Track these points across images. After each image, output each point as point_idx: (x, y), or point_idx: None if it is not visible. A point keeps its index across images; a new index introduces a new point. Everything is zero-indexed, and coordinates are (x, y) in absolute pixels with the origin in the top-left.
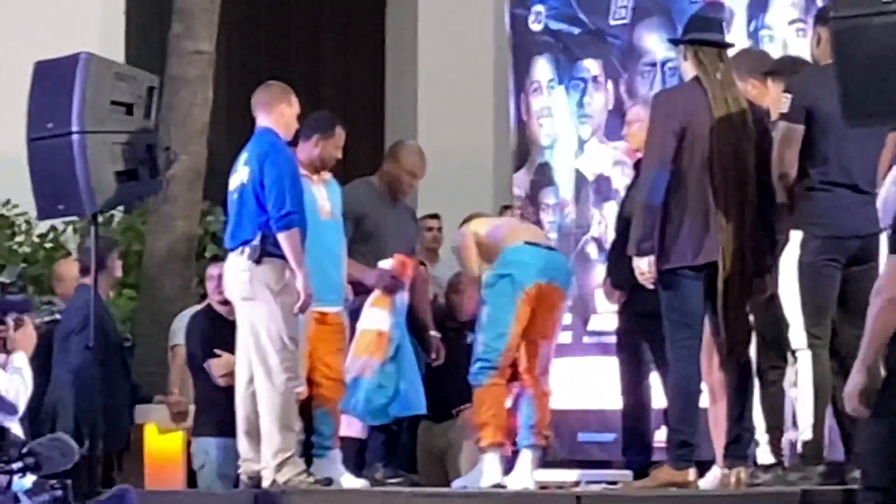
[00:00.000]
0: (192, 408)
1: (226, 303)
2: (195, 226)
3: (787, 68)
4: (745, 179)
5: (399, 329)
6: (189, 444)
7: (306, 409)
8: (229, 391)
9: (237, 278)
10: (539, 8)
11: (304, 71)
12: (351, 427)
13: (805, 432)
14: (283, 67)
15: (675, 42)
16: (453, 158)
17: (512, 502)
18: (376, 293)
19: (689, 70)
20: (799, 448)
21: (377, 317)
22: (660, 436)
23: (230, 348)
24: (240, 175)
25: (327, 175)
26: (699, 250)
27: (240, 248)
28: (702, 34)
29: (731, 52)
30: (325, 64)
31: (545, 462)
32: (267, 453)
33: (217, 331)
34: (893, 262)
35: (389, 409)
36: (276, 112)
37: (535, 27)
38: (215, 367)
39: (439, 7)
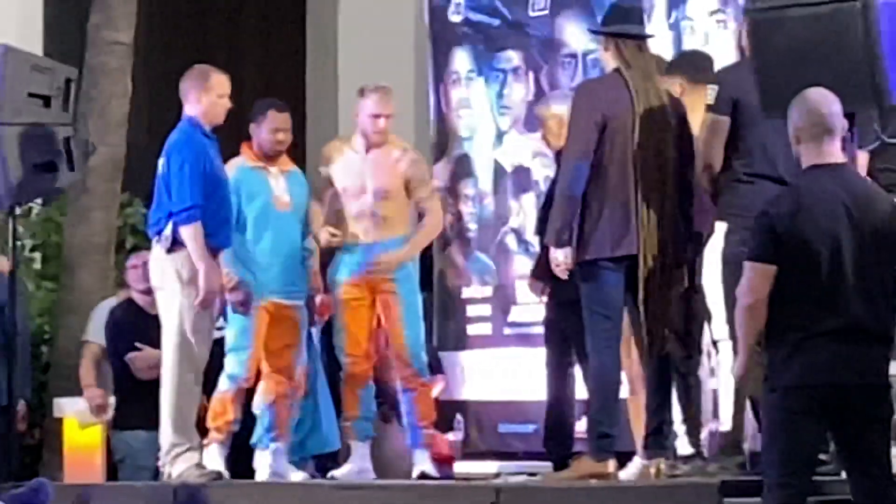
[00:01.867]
0: (111, 400)
1: (147, 292)
2: (114, 217)
3: (686, 64)
4: (665, 172)
5: (314, 364)
6: (109, 437)
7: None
8: (150, 384)
9: (153, 267)
10: None
11: (223, 62)
12: None
13: (725, 423)
14: (203, 58)
15: (595, 33)
16: None
17: (431, 494)
18: None
19: (609, 61)
20: (718, 439)
21: None
22: (581, 427)
23: (150, 341)
24: (160, 165)
25: (289, 165)
26: (619, 242)
27: (156, 238)
28: (622, 26)
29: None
30: (245, 54)
31: (465, 453)
32: (163, 447)
33: (137, 323)
34: (750, 266)
35: (307, 446)
36: (192, 100)
37: (455, 18)
38: (137, 360)
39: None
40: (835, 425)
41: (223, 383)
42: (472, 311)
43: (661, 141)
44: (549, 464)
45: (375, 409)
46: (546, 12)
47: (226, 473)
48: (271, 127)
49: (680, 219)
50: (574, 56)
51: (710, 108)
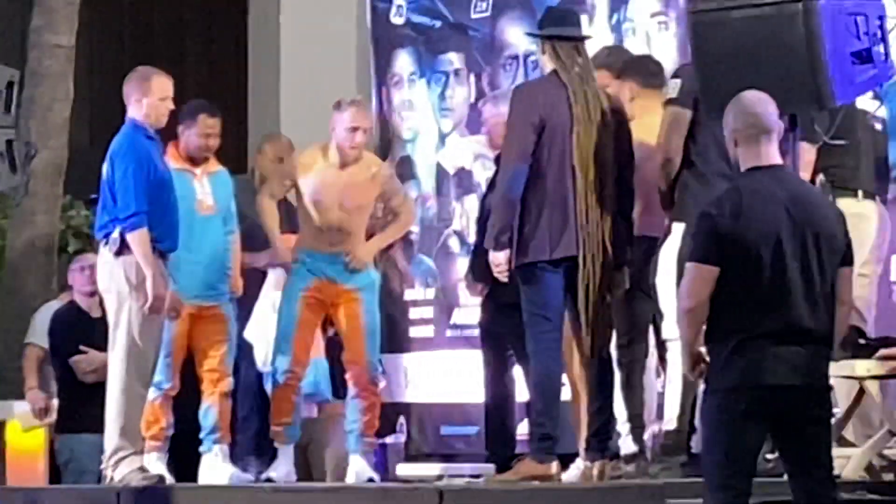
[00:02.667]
0: (54, 403)
1: (92, 295)
2: (56, 220)
3: (637, 69)
4: (604, 173)
5: None
6: (52, 440)
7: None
8: (94, 387)
9: (101, 271)
10: (400, 1)
11: (166, 65)
12: None
13: (670, 422)
14: (145, 62)
15: (531, 36)
16: None
17: (373, 497)
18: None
19: (547, 63)
20: (661, 439)
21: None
22: (523, 429)
23: (93, 344)
24: (105, 170)
25: (215, 167)
26: (557, 244)
27: (103, 241)
28: (558, 28)
29: (590, 45)
30: (188, 57)
31: (407, 455)
32: (107, 451)
33: (80, 326)
34: (692, 268)
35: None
36: (134, 102)
37: (397, 20)
38: (81, 363)
39: (301, 2)
40: (775, 427)
41: (150, 392)
42: (414, 313)
43: (599, 142)
44: (491, 466)
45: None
46: (487, 14)
47: (169, 478)
48: (202, 132)
49: (620, 220)
50: (516, 58)
51: (672, 101)
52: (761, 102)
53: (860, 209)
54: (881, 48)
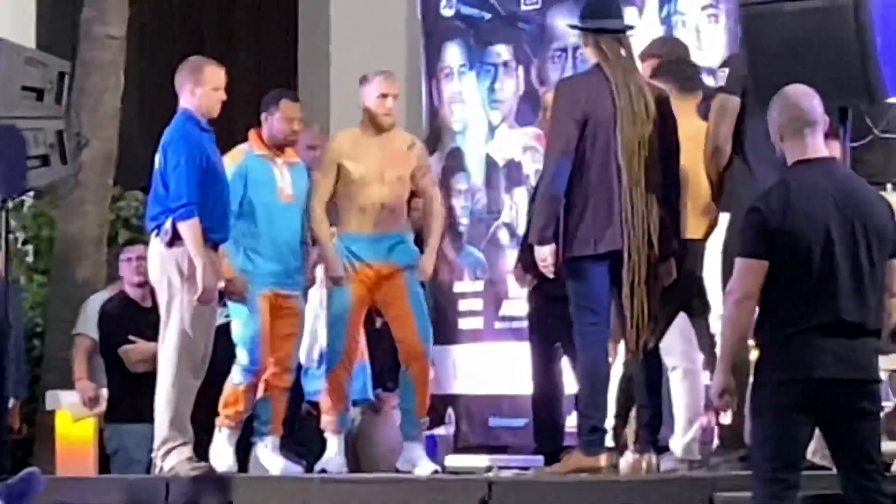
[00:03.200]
0: (104, 393)
1: (141, 286)
2: (106, 211)
3: (659, 50)
4: (649, 165)
5: None
6: (102, 430)
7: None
8: (143, 377)
9: (153, 261)
10: None
11: (216, 55)
12: None
13: (725, 417)
14: (195, 51)
15: (574, 28)
16: None
17: (423, 488)
18: None
19: (590, 56)
20: (720, 431)
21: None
22: (572, 421)
23: (143, 334)
24: (157, 160)
25: (294, 157)
26: (602, 238)
27: (154, 231)
28: (600, 21)
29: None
30: (238, 49)
31: (456, 447)
32: (156, 441)
33: (130, 316)
34: (741, 263)
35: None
36: (187, 92)
37: (447, 12)
38: (131, 353)
39: None
40: (825, 420)
41: (236, 375)
42: (463, 305)
43: (644, 135)
44: (540, 458)
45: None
46: (538, 6)
47: (233, 463)
48: (286, 116)
49: (666, 212)
50: (564, 50)
51: (720, 89)
52: (806, 96)
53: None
54: None
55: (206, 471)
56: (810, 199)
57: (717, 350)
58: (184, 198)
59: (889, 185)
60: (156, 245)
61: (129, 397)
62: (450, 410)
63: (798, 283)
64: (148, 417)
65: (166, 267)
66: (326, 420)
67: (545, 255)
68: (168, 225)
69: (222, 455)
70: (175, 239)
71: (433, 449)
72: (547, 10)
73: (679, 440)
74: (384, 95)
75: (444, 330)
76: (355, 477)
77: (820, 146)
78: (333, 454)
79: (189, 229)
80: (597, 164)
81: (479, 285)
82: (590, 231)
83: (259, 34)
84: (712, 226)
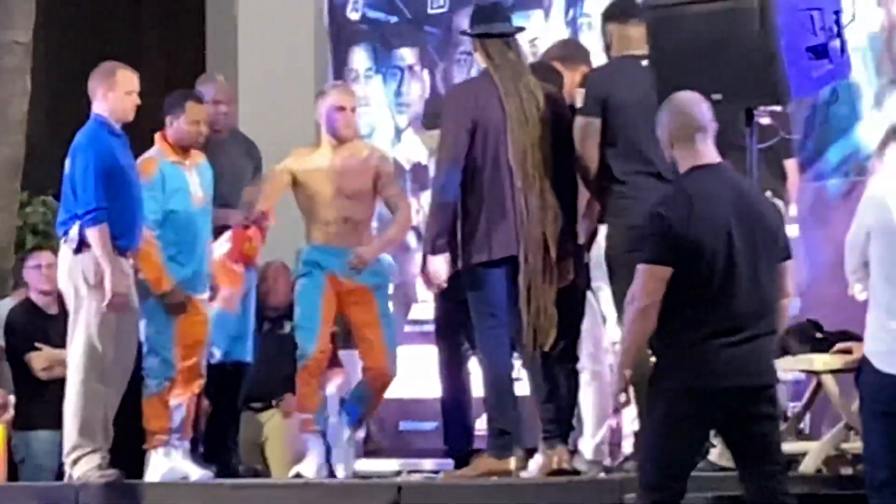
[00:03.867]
0: (11, 400)
1: (47, 293)
2: (13, 217)
3: (559, 52)
4: (543, 169)
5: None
6: (10, 437)
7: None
8: (50, 384)
9: (61, 268)
10: None
11: (124, 61)
12: None
13: (635, 423)
14: (103, 56)
15: (463, 34)
16: (275, 148)
17: (332, 492)
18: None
19: (480, 62)
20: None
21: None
22: (482, 424)
23: (49, 341)
24: (67, 165)
25: (199, 157)
26: (497, 244)
27: (63, 238)
28: (487, 26)
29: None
30: (146, 54)
31: (366, 451)
32: (66, 449)
33: (36, 323)
34: (645, 269)
35: (234, 350)
36: (99, 97)
37: (353, 16)
38: (35, 360)
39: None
40: (724, 426)
41: (152, 385)
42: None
43: (536, 137)
44: (450, 461)
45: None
46: (445, 9)
47: (204, 471)
48: (191, 119)
49: (562, 213)
50: (470, 53)
51: (579, 111)
52: (694, 102)
53: None
54: (837, 43)
55: (116, 478)
56: (712, 205)
57: (620, 353)
58: (91, 203)
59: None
60: (64, 251)
61: (36, 404)
62: None
63: (699, 289)
64: (56, 424)
65: (73, 274)
66: (305, 420)
67: (436, 266)
68: (75, 231)
69: (186, 470)
70: (82, 245)
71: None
72: (453, 13)
73: (588, 442)
74: (341, 108)
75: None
76: (265, 482)
77: (711, 152)
78: (313, 457)
79: (97, 235)
80: (489, 170)
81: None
82: (484, 238)
83: (167, 39)
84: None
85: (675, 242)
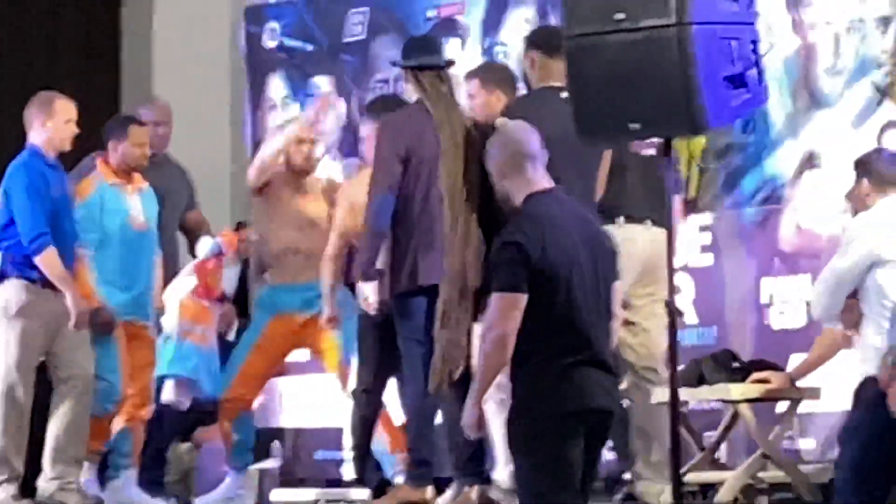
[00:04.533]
0: None
1: None
2: None
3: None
4: (470, 199)
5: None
6: None
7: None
8: None
9: None
10: (273, 25)
11: (39, 89)
12: None
13: None
14: (20, 88)
15: (395, 65)
16: (193, 177)
17: None
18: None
19: (412, 93)
20: None
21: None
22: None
23: None
24: None
25: (142, 183)
26: (423, 272)
27: None
28: (419, 58)
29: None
30: (61, 82)
31: (283, 481)
32: None
33: None
34: (501, 299)
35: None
36: (37, 128)
37: (270, 44)
38: None
39: (174, 27)
40: (585, 447)
41: (97, 408)
42: None
43: (466, 169)
44: (366, 491)
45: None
46: (362, 37)
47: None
48: (135, 142)
49: (484, 245)
50: (386, 82)
51: None
52: (523, 131)
53: (625, 234)
54: (755, 72)
55: None
56: (559, 229)
57: (474, 383)
58: (38, 228)
59: (621, 218)
60: None
61: None
62: (276, 443)
63: (561, 315)
64: None
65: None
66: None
67: (367, 292)
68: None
69: (135, 499)
70: (2, 277)
71: (259, 483)
72: (370, 41)
73: (502, 471)
74: (301, 141)
75: None
76: None
77: (543, 178)
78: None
79: (49, 259)
80: (419, 199)
81: None
82: (412, 265)
83: (82, 66)
84: None
85: (531, 267)
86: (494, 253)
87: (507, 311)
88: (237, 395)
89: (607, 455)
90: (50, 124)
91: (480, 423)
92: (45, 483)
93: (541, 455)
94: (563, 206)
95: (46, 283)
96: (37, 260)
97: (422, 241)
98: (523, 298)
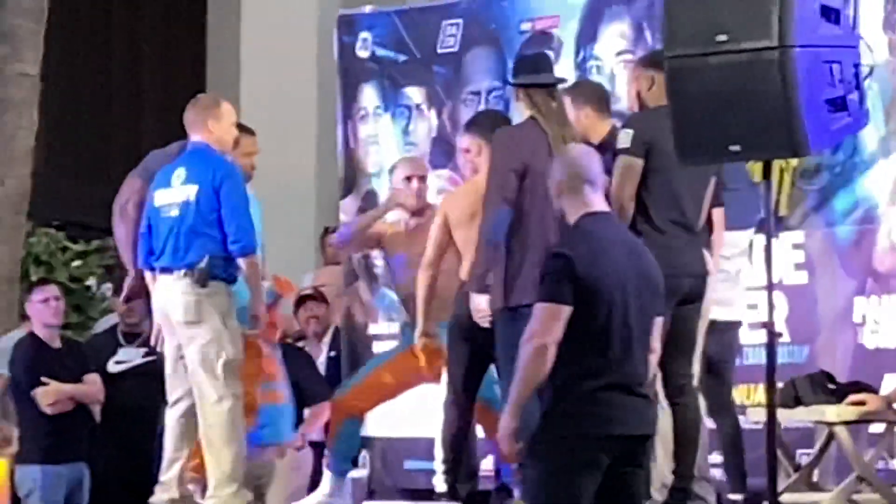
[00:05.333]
0: (15, 433)
1: (52, 326)
2: (20, 248)
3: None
4: None
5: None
6: (13, 471)
7: None
8: (55, 418)
9: (180, 301)
10: (366, 35)
11: (124, 98)
12: None
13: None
14: (104, 91)
15: (507, 84)
16: (277, 183)
17: None
18: None
19: (524, 111)
20: None
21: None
22: (486, 465)
23: (55, 375)
24: (181, 192)
25: (251, 189)
26: (536, 286)
27: (182, 271)
28: (532, 76)
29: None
30: (146, 90)
31: (370, 491)
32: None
33: (42, 357)
34: (544, 309)
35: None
36: (205, 129)
37: (363, 54)
38: (43, 395)
39: (262, 33)
40: (608, 473)
41: None
42: (378, 347)
43: None
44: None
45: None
46: (454, 49)
47: None
48: (245, 151)
49: None
50: (478, 94)
51: (624, 150)
52: (586, 155)
53: None
54: (856, 95)
55: None
56: (610, 251)
57: (511, 393)
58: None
59: None
60: (181, 285)
61: (41, 438)
62: (364, 453)
63: (600, 335)
64: (61, 459)
65: (202, 308)
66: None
67: (481, 303)
68: (204, 264)
69: None
70: (209, 279)
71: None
72: (463, 53)
73: None
74: (409, 178)
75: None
76: None
77: (601, 202)
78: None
79: (253, 264)
80: (535, 214)
81: (394, 327)
82: (527, 281)
83: (167, 74)
84: None
85: (577, 282)
86: (543, 264)
87: (549, 322)
88: (352, 402)
89: None
90: (218, 127)
91: (516, 434)
92: None
93: (552, 474)
94: (617, 231)
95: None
96: (242, 261)
97: (538, 255)
98: (567, 310)
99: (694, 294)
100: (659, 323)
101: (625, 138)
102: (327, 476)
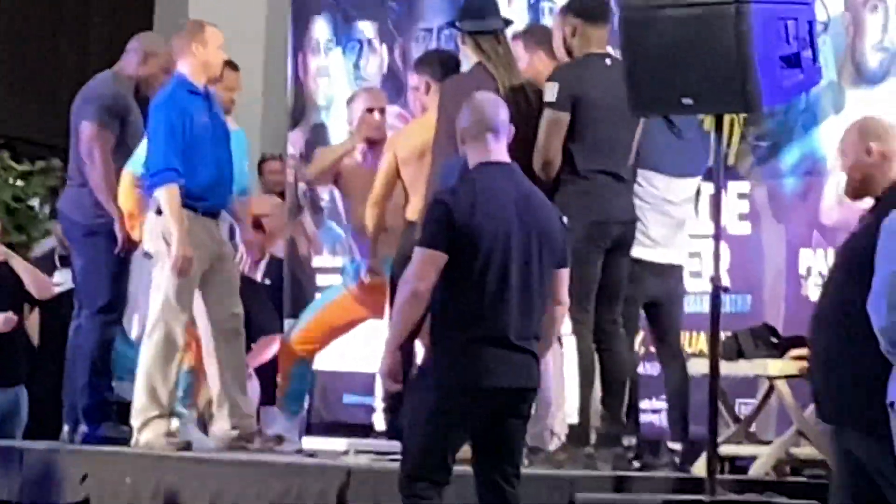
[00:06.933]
0: None
1: None
2: None
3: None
4: (528, 160)
5: None
6: None
7: None
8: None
9: (146, 228)
10: None
11: (71, 35)
12: None
13: (572, 416)
14: (53, 6)
15: (451, 26)
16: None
17: (281, 472)
18: None
19: (470, 55)
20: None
21: None
22: None
23: None
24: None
25: (234, 126)
26: None
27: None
28: (479, 22)
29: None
30: (93, 29)
31: (310, 424)
32: (134, 410)
33: None
34: (421, 253)
35: None
36: (185, 57)
37: None
38: None
39: None
40: (482, 425)
41: None
42: (321, 280)
43: (527, 129)
44: (397, 443)
45: None
46: None
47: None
48: (226, 86)
49: None
50: (430, 31)
51: (550, 104)
52: (491, 103)
53: None
54: (809, 53)
55: (184, 447)
56: (494, 201)
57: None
58: (160, 164)
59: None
60: (149, 213)
61: None
62: None
63: (474, 287)
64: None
65: (154, 235)
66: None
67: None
68: (157, 193)
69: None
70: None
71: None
72: None
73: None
74: (370, 110)
75: (302, 304)
76: (212, 457)
77: (502, 152)
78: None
79: (164, 196)
80: None
81: (337, 261)
82: None
83: (115, 10)
84: None
85: (454, 231)
86: (424, 209)
87: (423, 267)
88: (301, 345)
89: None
90: (201, 52)
91: (395, 372)
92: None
93: (423, 422)
94: (511, 180)
95: (209, 214)
96: (155, 192)
97: None
98: (441, 256)
99: (622, 241)
100: (562, 275)
101: (550, 91)
102: (278, 416)
